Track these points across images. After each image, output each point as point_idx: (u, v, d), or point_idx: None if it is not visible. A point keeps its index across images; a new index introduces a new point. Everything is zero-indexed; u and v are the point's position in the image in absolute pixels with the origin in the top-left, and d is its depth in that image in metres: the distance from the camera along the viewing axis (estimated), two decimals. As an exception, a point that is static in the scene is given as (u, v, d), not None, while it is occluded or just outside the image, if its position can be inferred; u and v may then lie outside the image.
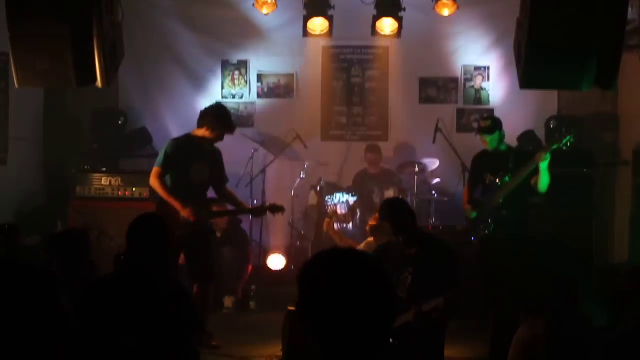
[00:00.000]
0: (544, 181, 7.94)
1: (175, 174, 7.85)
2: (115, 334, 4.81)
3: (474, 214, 8.28)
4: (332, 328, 2.44)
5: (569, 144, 7.94)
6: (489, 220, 8.13)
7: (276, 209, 8.35)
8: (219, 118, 7.97)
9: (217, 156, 8.18)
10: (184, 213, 7.65)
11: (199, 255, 7.92)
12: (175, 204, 7.68)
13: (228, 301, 9.84)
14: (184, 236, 7.36)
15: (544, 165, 7.84)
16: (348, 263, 2.50)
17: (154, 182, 7.83)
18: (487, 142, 8.27)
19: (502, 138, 8.30)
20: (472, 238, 8.77)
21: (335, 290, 2.44)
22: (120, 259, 6.10)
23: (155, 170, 7.84)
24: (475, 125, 11.57)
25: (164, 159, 7.84)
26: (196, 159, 7.91)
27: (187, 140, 8.02)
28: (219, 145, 8.19)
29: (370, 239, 8.68)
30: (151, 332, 4.80)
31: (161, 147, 10.33)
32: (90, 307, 4.93)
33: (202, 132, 7.94)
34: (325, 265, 2.52)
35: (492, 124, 8.37)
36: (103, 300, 4.90)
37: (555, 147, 7.90)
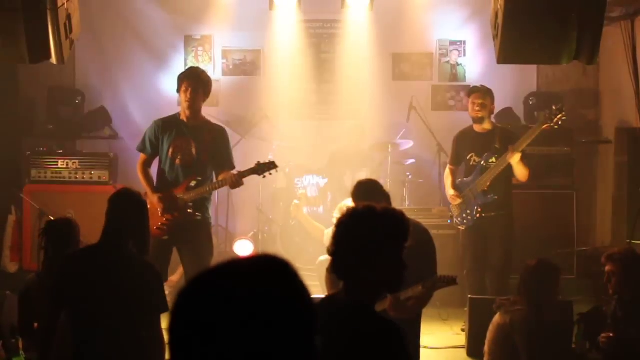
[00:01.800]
0: (520, 174, 8.10)
1: (160, 157, 7.74)
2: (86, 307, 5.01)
3: (458, 201, 8.38)
4: None
5: (559, 123, 8.01)
6: (476, 207, 8.21)
7: (266, 167, 7.60)
8: (178, 78, 7.80)
9: (213, 134, 7.77)
10: (152, 200, 7.37)
11: (190, 254, 7.56)
12: (147, 191, 7.49)
13: None
14: (167, 229, 7.40)
15: (515, 162, 7.99)
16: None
17: (137, 169, 7.76)
18: (479, 105, 8.33)
19: (491, 111, 8.37)
20: (449, 221, 8.87)
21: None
22: None
23: (140, 157, 7.80)
24: (451, 103, 11.64)
25: (142, 142, 7.77)
26: (177, 136, 7.63)
27: (169, 118, 7.82)
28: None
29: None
30: (120, 309, 4.97)
31: (121, 128, 10.27)
32: (67, 278, 5.16)
33: (182, 106, 7.73)
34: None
35: (486, 87, 8.47)
36: (79, 272, 5.16)
37: (543, 127, 7.99)
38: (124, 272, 5.07)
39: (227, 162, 7.79)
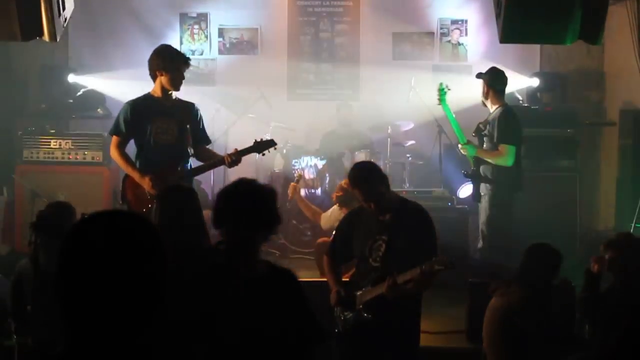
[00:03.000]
0: (492, 163, 8.39)
1: (137, 138, 7.59)
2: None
3: None
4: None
5: (443, 95, 8.70)
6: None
7: (265, 145, 7.61)
8: (161, 53, 7.59)
9: (189, 111, 7.75)
10: (143, 184, 7.33)
11: None
12: (134, 175, 7.42)
13: None
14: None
15: (470, 155, 8.18)
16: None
17: (112, 153, 7.60)
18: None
19: (485, 92, 8.47)
20: (449, 204, 9.01)
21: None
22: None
23: (112, 140, 7.61)
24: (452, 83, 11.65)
25: (116, 124, 7.58)
26: (156, 116, 7.53)
27: (144, 98, 7.67)
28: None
29: (337, 207, 8.66)
30: None
31: (114, 108, 10.22)
32: None
33: (158, 83, 7.58)
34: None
35: (489, 70, 8.68)
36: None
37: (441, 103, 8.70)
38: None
39: (204, 137, 7.85)
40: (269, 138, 7.73)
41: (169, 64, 7.54)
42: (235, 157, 7.41)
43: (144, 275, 2.35)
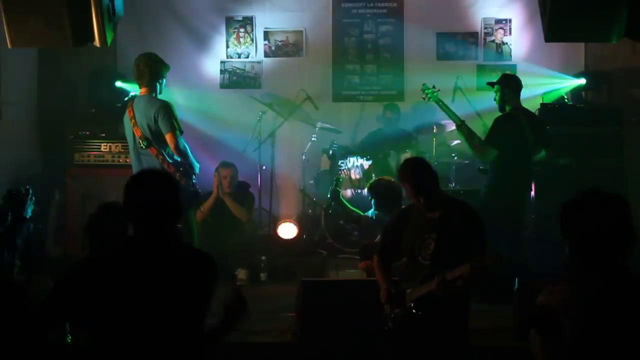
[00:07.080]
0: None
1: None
2: None
3: None
4: None
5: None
6: None
7: None
8: (164, 66, 8.08)
9: None
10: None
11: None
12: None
13: (241, 273, 9.59)
14: None
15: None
16: None
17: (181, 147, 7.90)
18: None
19: (502, 96, 8.54)
20: None
21: None
22: None
23: (177, 137, 7.83)
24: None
25: (178, 122, 7.85)
26: None
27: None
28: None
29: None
30: None
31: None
32: None
33: (156, 87, 8.00)
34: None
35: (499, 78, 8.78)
36: None
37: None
38: None
39: None
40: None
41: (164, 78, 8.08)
42: None
43: None
